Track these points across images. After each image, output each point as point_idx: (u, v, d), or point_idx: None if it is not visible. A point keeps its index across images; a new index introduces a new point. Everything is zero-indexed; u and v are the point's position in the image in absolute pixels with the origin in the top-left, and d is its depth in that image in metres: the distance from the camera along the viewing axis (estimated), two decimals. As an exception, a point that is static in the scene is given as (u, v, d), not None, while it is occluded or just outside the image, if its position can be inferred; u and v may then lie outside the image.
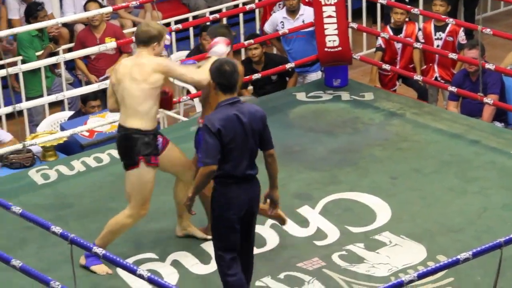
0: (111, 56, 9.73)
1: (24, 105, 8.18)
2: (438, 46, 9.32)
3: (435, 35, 9.44)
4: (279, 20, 9.60)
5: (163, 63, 6.15)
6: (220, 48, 6.31)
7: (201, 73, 6.16)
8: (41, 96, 9.39)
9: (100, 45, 8.53)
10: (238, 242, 5.68)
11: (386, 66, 9.12)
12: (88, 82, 9.69)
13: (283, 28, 9.41)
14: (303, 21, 9.42)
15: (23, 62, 9.56)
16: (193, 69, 6.28)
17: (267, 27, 9.79)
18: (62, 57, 8.57)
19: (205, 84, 6.08)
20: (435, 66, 9.38)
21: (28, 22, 10.05)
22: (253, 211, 5.74)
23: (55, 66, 9.97)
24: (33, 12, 10.02)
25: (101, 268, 6.20)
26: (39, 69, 9.38)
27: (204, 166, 5.55)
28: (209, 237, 6.23)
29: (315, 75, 9.44)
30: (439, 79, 9.30)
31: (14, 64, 9.41)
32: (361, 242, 6.59)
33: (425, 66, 9.48)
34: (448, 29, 9.34)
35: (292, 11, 9.49)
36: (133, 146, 6.08)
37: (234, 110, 5.59)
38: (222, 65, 5.60)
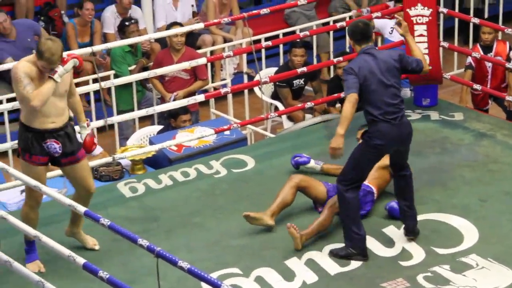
0: (184, 81, 9.75)
1: (115, 119, 8.27)
2: (489, 67, 9.23)
3: None
4: (389, 26, 9.67)
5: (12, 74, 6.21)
6: None
7: None
8: (132, 110, 9.53)
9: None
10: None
11: (477, 86, 9.04)
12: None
13: (391, 34, 9.52)
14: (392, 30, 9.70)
15: (115, 76, 9.71)
16: None
17: (378, 24, 9.84)
18: (153, 72, 8.64)
19: None
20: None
21: (121, 36, 10.23)
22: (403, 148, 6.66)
23: (146, 80, 10.11)
24: (122, 27, 10.19)
25: (34, 265, 6.25)
26: (130, 83, 9.52)
27: (348, 95, 6.43)
28: (96, 247, 6.70)
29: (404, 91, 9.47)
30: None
31: (107, 78, 9.56)
32: (447, 264, 6.53)
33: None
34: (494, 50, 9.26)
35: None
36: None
37: (368, 55, 6.53)
38: (356, 24, 6.69)
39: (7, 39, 10.33)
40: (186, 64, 8.34)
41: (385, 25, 9.97)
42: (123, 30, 10.15)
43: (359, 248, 6.60)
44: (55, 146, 6.26)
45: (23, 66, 6.11)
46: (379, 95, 6.51)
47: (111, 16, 10.81)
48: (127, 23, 10.14)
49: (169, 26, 9.94)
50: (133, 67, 10.05)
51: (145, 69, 9.91)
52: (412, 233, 6.78)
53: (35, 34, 10.45)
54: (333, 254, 6.66)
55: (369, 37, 6.60)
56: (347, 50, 10.57)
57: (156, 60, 9.79)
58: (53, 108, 6.22)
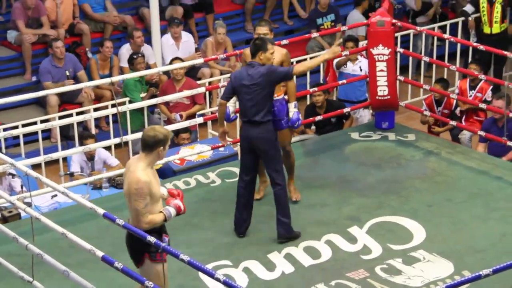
0: (186, 105, 9.76)
1: (129, 137, 8.29)
2: None
3: (469, 93, 9.40)
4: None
5: (136, 188, 5.18)
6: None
7: None
8: (143, 127, 9.56)
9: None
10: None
11: (427, 113, 9.13)
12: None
13: (345, 67, 9.59)
14: (360, 67, 9.62)
15: (130, 102, 9.74)
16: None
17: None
18: (161, 99, 8.69)
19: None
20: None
21: (130, 67, 10.27)
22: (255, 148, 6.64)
23: (155, 106, 10.13)
24: (131, 59, 10.26)
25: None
26: (141, 107, 9.55)
27: (220, 100, 6.77)
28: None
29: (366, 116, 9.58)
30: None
31: (123, 103, 9.59)
32: (400, 257, 6.58)
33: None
34: (478, 87, 9.31)
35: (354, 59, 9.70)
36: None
37: (246, 69, 6.58)
38: (253, 42, 6.65)
39: (56, 64, 10.28)
40: (189, 92, 8.46)
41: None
42: (131, 62, 10.21)
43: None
44: (167, 239, 5.43)
45: (146, 182, 5.16)
46: (243, 100, 6.67)
47: (126, 52, 10.80)
48: (134, 56, 10.20)
49: (171, 61, 9.97)
50: (143, 94, 10.09)
51: (153, 96, 9.93)
52: (280, 238, 6.78)
53: (74, 68, 10.43)
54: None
55: (252, 54, 6.64)
56: (321, 81, 10.62)
57: (162, 89, 9.79)
58: None
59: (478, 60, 9.61)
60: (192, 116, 9.49)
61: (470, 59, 11.09)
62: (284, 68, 6.69)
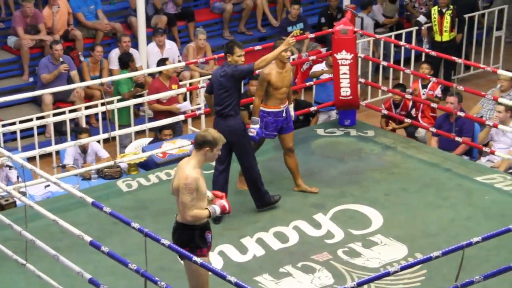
0: (175, 98, 9.73)
1: (117, 132, 8.25)
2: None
3: (422, 91, 9.38)
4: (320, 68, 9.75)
5: (185, 183, 5.04)
6: None
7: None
8: (129, 124, 9.48)
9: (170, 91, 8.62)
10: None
11: (384, 111, 9.08)
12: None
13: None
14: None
15: (118, 101, 9.64)
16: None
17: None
18: (147, 98, 8.65)
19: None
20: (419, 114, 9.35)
21: (122, 67, 10.17)
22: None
23: (141, 104, 10.06)
24: (127, 60, 10.19)
25: None
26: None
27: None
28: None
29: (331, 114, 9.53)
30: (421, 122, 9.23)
31: (111, 102, 9.49)
32: (360, 241, 6.54)
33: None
34: (430, 85, 9.30)
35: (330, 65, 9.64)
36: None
37: (221, 67, 6.68)
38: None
39: (54, 62, 10.20)
40: (181, 90, 8.71)
41: (317, 68, 9.95)
42: (128, 63, 10.22)
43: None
44: (210, 236, 5.27)
45: (194, 178, 5.03)
46: (215, 95, 6.73)
47: (115, 56, 10.74)
48: (131, 59, 10.24)
49: (159, 62, 9.87)
50: (129, 91, 10.01)
51: (139, 96, 9.85)
52: (259, 208, 6.87)
53: (69, 68, 10.35)
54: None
55: (224, 56, 6.68)
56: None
57: (152, 88, 9.58)
58: None
59: (429, 61, 9.62)
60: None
61: (412, 64, 11.12)
62: (246, 65, 6.64)
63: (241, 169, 6.88)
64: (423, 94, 9.33)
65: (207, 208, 5.14)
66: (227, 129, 6.61)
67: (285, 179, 7.45)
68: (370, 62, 11.13)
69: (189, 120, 9.92)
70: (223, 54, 7.01)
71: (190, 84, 10.54)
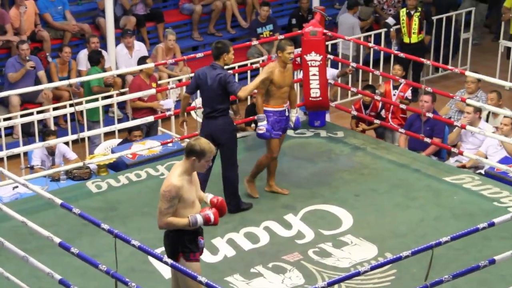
0: (154, 96, 9.67)
1: (86, 133, 8.20)
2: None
3: (393, 92, 9.45)
4: None
5: (164, 190, 4.93)
6: None
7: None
8: (99, 121, 9.43)
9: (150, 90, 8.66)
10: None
11: (354, 112, 9.14)
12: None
13: None
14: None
15: (86, 102, 9.58)
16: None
17: None
18: (115, 99, 8.62)
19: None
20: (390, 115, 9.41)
21: (93, 64, 10.17)
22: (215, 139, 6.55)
23: (110, 105, 10.01)
24: (98, 57, 10.17)
25: None
26: (98, 98, 9.42)
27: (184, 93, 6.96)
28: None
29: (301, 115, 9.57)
30: (391, 122, 9.30)
31: (80, 103, 9.43)
32: (330, 241, 6.56)
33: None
34: (401, 87, 9.37)
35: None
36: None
37: (209, 69, 6.70)
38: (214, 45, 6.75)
39: (21, 62, 10.11)
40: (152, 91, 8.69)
41: None
42: (99, 58, 10.20)
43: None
44: (202, 242, 5.19)
45: (176, 186, 4.90)
46: (203, 96, 6.78)
47: (83, 57, 10.70)
48: (101, 56, 10.23)
49: (140, 60, 9.80)
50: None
51: (109, 96, 9.80)
52: (231, 212, 6.75)
53: (36, 68, 10.23)
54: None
55: (215, 57, 6.73)
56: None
57: (135, 86, 9.47)
58: None
59: (401, 62, 9.68)
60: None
61: (392, 65, 11.18)
62: (235, 86, 6.69)
63: (223, 170, 6.85)
64: (394, 95, 9.40)
65: (187, 217, 4.98)
66: (218, 128, 6.70)
67: (256, 180, 7.46)
68: (340, 64, 11.21)
69: (159, 121, 9.88)
70: (211, 55, 6.91)
71: (160, 85, 10.51)
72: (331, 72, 9.61)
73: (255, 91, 7.03)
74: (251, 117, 8.86)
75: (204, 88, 6.74)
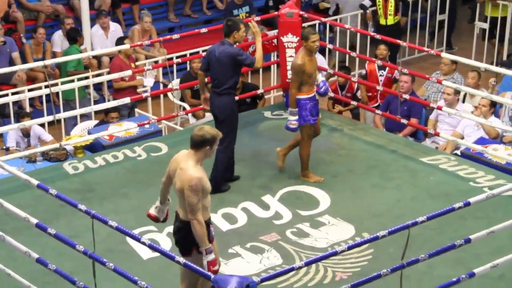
0: (134, 76, 9.58)
1: (62, 115, 8.14)
2: (381, 81, 9.31)
3: (379, 72, 9.44)
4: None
5: (190, 185, 4.87)
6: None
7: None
8: (74, 99, 9.36)
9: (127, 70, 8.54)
10: None
11: (330, 94, 9.17)
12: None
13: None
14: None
15: (63, 83, 9.51)
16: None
17: None
18: (91, 81, 8.56)
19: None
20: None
21: (71, 42, 10.09)
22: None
23: (86, 87, 9.96)
24: (75, 35, 10.11)
25: None
26: (75, 78, 9.35)
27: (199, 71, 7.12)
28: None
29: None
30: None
31: (55, 84, 9.35)
32: (308, 222, 6.60)
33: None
34: (388, 69, 9.35)
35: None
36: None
37: (219, 45, 6.81)
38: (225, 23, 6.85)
39: None
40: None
41: None
42: (77, 38, 10.14)
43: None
44: (212, 229, 5.17)
45: (199, 178, 4.87)
46: (212, 72, 6.85)
47: (58, 38, 10.62)
48: (80, 34, 10.22)
49: (118, 40, 9.72)
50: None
51: (85, 78, 9.73)
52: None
53: (10, 48, 10.14)
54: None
55: (226, 34, 6.83)
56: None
57: (116, 66, 9.37)
58: None
59: (387, 43, 9.65)
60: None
61: (368, 47, 11.21)
62: (249, 59, 6.80)
63: (218, 147, 6.77)
64: (381, 75, 9.42)
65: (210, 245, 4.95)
66: (220, 105, 6.81)
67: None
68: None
69: (136, 103, 9.83)
70: (223, 33, 6.90)
71: (136, 66, 10.45)
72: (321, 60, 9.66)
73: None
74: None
75: (212, 64, 6.84)
